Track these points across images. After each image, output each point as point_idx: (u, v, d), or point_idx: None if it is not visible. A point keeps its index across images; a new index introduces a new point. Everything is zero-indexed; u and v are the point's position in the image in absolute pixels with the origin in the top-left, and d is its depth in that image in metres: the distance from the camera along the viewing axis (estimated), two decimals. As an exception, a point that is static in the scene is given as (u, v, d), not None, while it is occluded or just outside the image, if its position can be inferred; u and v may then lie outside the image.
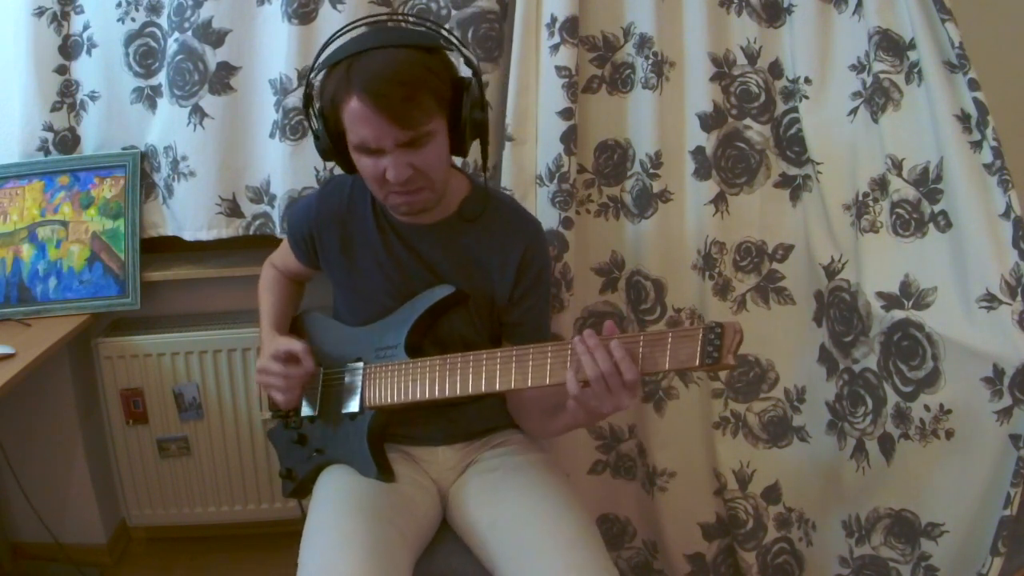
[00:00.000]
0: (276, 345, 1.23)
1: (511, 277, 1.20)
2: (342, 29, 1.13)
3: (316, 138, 1.13)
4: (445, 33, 1.15)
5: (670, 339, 0.95)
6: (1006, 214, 1.25)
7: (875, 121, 1.39)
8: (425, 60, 1.05)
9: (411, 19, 1.25)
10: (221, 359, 1.77)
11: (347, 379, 1.21)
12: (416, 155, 1.06)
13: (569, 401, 1.02)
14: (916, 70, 1.35)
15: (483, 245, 1.21)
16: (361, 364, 1.21)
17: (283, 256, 1.39)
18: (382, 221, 1.22)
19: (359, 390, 1.19)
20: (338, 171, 1.58)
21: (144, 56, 1.67)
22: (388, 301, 1.22)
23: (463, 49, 1.13)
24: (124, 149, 1.73)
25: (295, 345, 1.21)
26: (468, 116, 1.09)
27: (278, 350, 1.22)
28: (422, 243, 1.21)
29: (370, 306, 1.23)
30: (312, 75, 1.12)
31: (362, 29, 1.12)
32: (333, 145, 1.11)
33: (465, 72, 1.13)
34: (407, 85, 1.02)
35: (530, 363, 1.04)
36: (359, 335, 1.24)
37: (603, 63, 1.54)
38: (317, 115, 1.10)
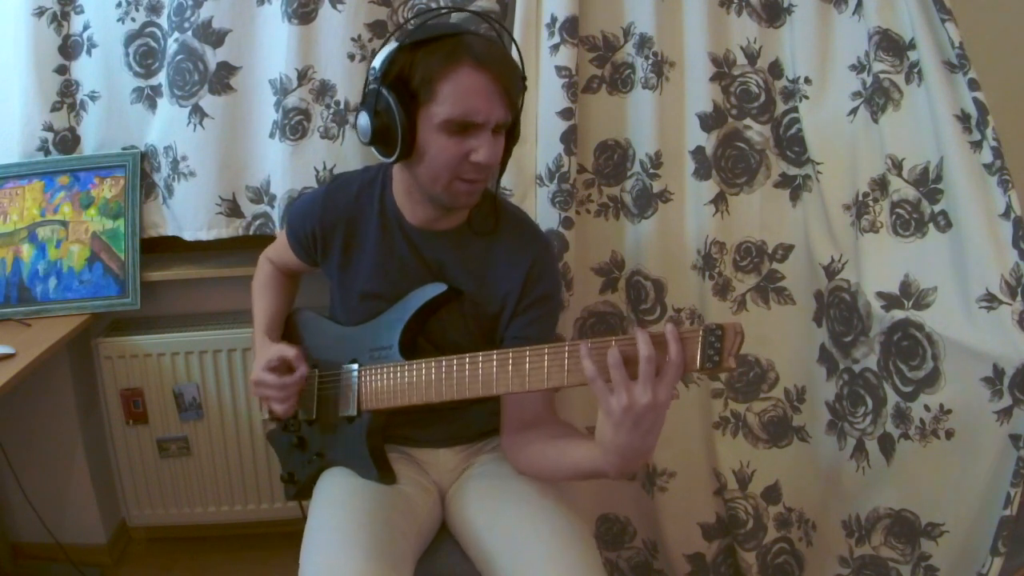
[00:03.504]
0: (268, 353, 1.22)
1: (516, 293, 1.18)
2: (413, 17, 1.13)
3: (375, 114, 1.05)
4: (509, 39, 1.18)
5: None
6: (1006, 214, 1.25)
7: (875, 121, 1.39)
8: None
9: (490, 18, 1.21)
10: (221, 359, 1.77)
11: (343, 381, 1.21)
12: (498, 143, 1.07)
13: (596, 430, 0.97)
14: (916, 70, 1.35)
15: (490, 257, 1.19)
16: (356, 366, 1.20)
17: (280, 251, 1.36)
18: (390, 223, 1.20)
19: (355, 392, 1.19)
20: (339, 171, 1.61)
21: (144, 56, 1.67)
22: (384, 304, 1.21)
23: (520, 61, 1.12)
24: (124, 149, 1.72)
25: (287, 351, 1.20)
26: (519, 122, 1.11)
27: (270, 358, 1.20)
28: (428, 248, 1.19)
29: (367, 307, 1.22)
30: (387, 49, 1.06)
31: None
32: (408, 121, 1.04)
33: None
34: (515, 73, 1.06)
35: (527, 366, 1.02)
36: (353, 335, 1.23)
37: (603, 63, 1.54)
38: (389, 89, 1.04)
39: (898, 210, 1.38)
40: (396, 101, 1.04)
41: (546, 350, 1.01)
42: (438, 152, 1.05)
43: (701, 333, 0.90)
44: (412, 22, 1.14)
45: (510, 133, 1.11)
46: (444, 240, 1.19)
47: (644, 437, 0.93)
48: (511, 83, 1.05)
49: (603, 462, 0.98)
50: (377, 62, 1.07)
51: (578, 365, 0.96)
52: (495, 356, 1.05)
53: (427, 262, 1.20)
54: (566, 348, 0.99)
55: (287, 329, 1.35)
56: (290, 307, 1.40)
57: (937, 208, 1.34)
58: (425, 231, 1.19)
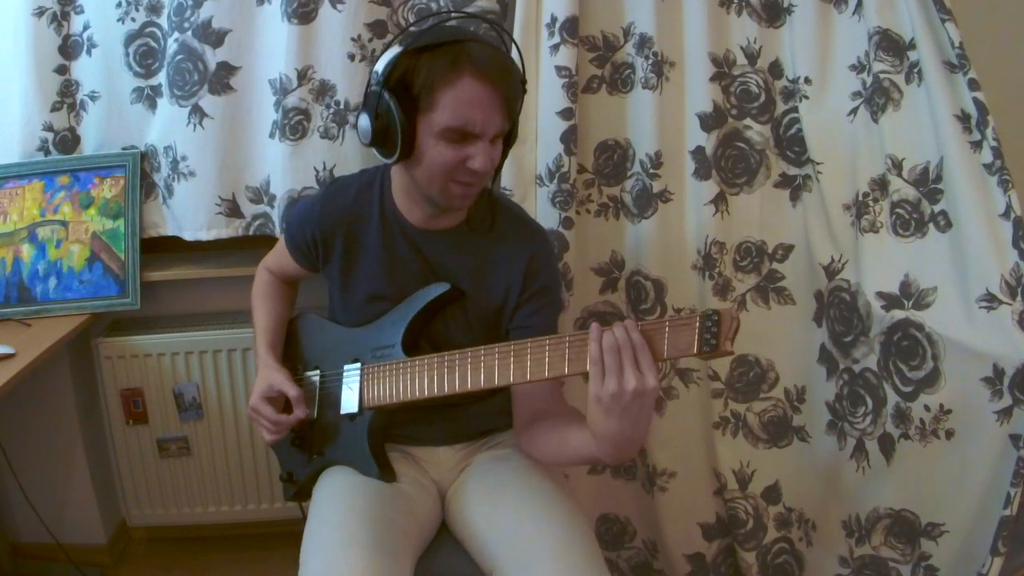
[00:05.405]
0: (271, 382, 1.22)
1: (517, 286, 1.19)
2: (426, 17, 1.13)
3: (376, 116, 1.06)
4: (515, 46, 1.16)
5: (667, 327, 0.94)
6: (1006, 214, 1.25)
7: (875, 121, 1.40)
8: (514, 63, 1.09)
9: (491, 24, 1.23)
10: (221, 359, 1.77)
11: (345, 380, 1.21)
12: (495, 150, 1.08)
13: (588, 409, 0.99)
14: (916, 70, 1.35)
15: (489, 255, 1.20)
16: (358, 365, 1.20)
17: (278, 259, 1.37)
18: (390, 224, 1.21)
19: (357, 391, 1.19)
20: (339, 172, 1.61)
21: (144, 56, 1.67)
22: (388, 305, 1.21)
23: (521, 63, 1.13)
24: (124, 149, 1.72)
25: (291, 391, 1.21)
26: (517, 126, 1.12)
27: (272, 386, 1.21)
28: (429, 248, 1.20)
29: (372, 309, 1.23)
30: (390, 53, 1.07)
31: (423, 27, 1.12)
32: (408, 124, 1.05)
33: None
34: (516, 81, 1.06)
35: (528, 357, 1.03)
36: (355, 335, 1.24)
37: (603, 63, 1.54)
38: (391, 93, 1.05)
39: (898, 210, 1.38)
40: (397, 105, 1.04)
41: (547, 341, 1.02)
42: (435, 157, 1.06)
43: (698, 318, 0.93)
44: (416, 26, 1.12)
45: (507, 137, 1.11)
46: (444, 239, 1.20)
47: (634, 424, 0.95)
48: (512, 93, 1.05)
49: (597, 450, 1.01)
50: (380, 65, 1.07)
51: (579, 355, 0.98)
52: (496, 349, 1.06)
53: (429, 262, 1.20)
54: (567, 338, 1.00)
55: (288, 335, 1.35)
56: (290, 314, 1.40)
57: (937, 208, 1.34)
58: (425, 231, 1.19)
